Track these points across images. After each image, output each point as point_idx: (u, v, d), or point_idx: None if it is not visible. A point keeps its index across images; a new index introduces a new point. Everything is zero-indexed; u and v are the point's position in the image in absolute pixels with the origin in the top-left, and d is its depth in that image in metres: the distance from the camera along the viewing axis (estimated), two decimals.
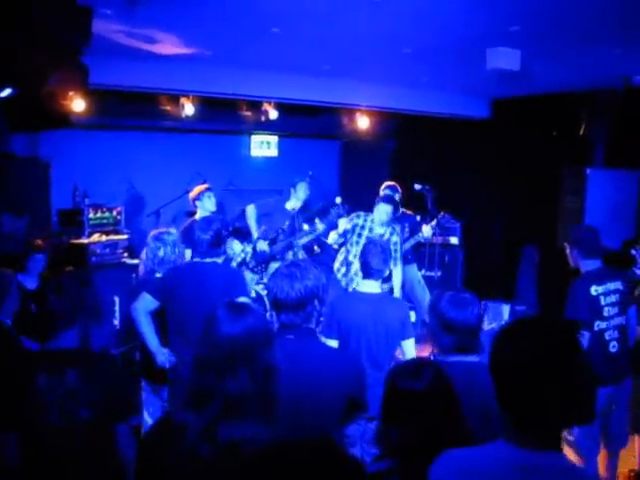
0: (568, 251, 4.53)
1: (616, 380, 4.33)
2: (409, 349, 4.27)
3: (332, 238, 7.05)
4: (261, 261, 7.30)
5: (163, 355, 4.36)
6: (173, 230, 4.91)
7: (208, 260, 4.37)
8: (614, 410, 4.39)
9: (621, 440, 4.54)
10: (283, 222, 7.26)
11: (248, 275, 7.28)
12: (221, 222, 4.51)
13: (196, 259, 4.49)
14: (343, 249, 6.81)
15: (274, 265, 7.24)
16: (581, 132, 7.29)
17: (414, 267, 7.74)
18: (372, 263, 4.27)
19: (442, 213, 7.43)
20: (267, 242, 7.33)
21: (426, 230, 7.28)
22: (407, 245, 7.40)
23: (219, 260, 4.46)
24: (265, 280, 6.98)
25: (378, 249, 4.33)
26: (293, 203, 7.46)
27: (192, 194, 6.90)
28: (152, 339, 4.39)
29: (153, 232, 4.86)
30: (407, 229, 7.53)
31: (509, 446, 1.72)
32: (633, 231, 7.17)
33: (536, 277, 8.77)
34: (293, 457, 1.69)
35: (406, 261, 7.51)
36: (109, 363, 3.08)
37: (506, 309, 8.52)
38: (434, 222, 7.32)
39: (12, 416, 2.78)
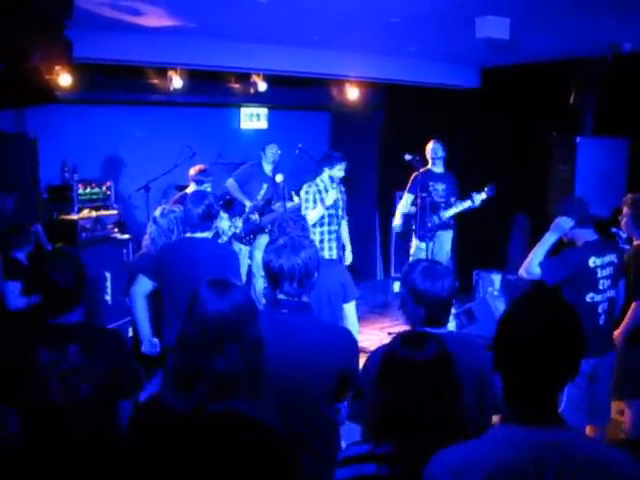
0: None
1: (601, 352, 4.29)
2: (350, 312, 4.20)
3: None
4: (249, 232, 7.28)
5: (151, 345, 4.33)
6: (176, 208, 4.81)
7: (199, 235, 4.33)
8: (597, 382, 4.36)
9: (605, 413, 4.50)
10: (260, 187, 7.31)
11: (240, 247, 7.30)
12: (213, 197, 4.50)
13: (187, 234, 4.44)
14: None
15: (263, 237, 7.24)
16: (571, 100, 7.26)
17: (450, 234, 7.80)
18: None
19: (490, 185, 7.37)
20: (256, 214, 7.33)
21: (477, 198, 7.29)
22: (451, 211, 7.47)
23: (209, 235, 4.42)
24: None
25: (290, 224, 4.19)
26: (267, 168, 7.60)
27: (193, 171, 6.77)
28: (145, 327, 4.36)
29: (160, 209, 4.79)
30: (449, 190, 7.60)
31: (511, 427, 1.71)
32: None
33: (528, 246, 8.76)
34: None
35: (448, 226, 7.64)
36: (113, 338, 3.03)
37: (497, 278, 8.55)
38: (484, 192, 7.32)
39: (12, 393, 2.76)
